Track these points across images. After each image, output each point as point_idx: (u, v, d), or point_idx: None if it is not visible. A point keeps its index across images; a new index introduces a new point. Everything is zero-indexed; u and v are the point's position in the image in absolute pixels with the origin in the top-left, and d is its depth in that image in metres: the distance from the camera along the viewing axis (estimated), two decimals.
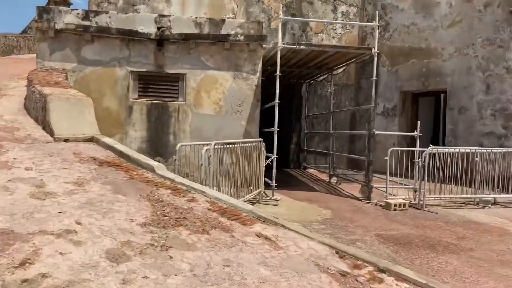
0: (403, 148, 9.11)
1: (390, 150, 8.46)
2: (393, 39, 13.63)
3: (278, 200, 8.23)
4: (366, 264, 3.65)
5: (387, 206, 8.09)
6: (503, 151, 9.00)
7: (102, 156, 5.76)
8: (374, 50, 8.84)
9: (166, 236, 3.58)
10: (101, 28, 8.75)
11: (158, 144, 9.18)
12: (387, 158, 8.36)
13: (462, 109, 11.79)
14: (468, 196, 8.68)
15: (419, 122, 8.93)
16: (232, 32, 9.05)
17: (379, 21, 9.49)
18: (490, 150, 8.81)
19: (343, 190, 9.91)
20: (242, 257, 3.38)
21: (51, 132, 6.49)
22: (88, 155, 5.71)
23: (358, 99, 14.33)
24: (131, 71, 9.04)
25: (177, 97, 9.23)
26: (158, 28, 8.89)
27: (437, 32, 12.40)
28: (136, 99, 9.11)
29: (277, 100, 8.56)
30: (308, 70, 11.48)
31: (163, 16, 9.13)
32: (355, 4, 14.42)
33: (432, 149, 8.31)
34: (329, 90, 12.26)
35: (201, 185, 5.22)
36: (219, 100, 9.31)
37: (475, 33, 11.49)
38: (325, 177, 11.94)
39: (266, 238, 3.85)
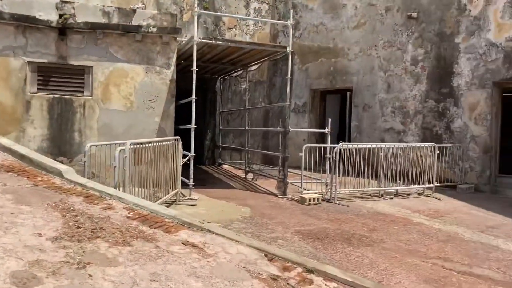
0: (316, 144, 9.44)
1: (304, 146, 8.71)
2: (303, 38, 14.07)
3: (196, 199, 8.02)
4: (295, 266, 3.66)
5: (302, 200, 8.33)
6: (403, 146, 9.78)
7: None
8: (289, 49, 9.00)
9: (83, 251, 3.22)
10: None
11: (61, 143, 8.39)
12: (302, 154, 8.59)
13: (366, 107, 12.60)
14: (374, 188, 9.29)
15: (330, 119, 9.32)
16: (144, 24, 8.57)
17: (292, 20, 9.67)
18: (393, 146, 9.52)
19: (260, 186, 10.01)
20: (170, 269, 3.17)
21: None
22: None
23: (271, 96, 14.59)
24: (29, 62, 8.11)
25: (83, 91, 8.51)
26: (60, 16, 8.08)
27: (343, 32, 13.07)
28: (35, 93, 8.21)
29: (194, 95, 8.31)
30: (223, 66, 11.36)
31: (66, 2, 8.31)
32: (266, 2, 14.60)
33: (343, 145, 8.73)
34: (244, 87, 12.29)
35: (117, 191, 4.83)
36: (130, 95, 8.77)
37: (377, 35, 12.31)
38: (241, 173, 11.97)
39: (194, 245, 3.66)
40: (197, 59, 8.51)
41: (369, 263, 4.98)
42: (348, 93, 13.00)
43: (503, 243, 6.05)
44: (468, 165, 10.61)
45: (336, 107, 15.14)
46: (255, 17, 14.11)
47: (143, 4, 12.60)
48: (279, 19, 13.99)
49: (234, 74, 13.19)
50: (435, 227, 6.86)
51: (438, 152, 9.76)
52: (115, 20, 8.45)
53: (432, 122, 11.24)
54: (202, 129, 13.32)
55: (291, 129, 9.33)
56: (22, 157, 5.09)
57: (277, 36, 14.68)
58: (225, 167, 13.40)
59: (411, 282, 4.41)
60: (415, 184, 9.59)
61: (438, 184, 9.88)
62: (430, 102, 11.28)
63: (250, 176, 11.25)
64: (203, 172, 12.09)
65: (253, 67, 12.04)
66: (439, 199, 9.28)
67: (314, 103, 14.14)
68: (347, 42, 12.98)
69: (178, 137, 7.82)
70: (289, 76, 8.99)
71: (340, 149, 8.59)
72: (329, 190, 8.81)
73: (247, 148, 11.89)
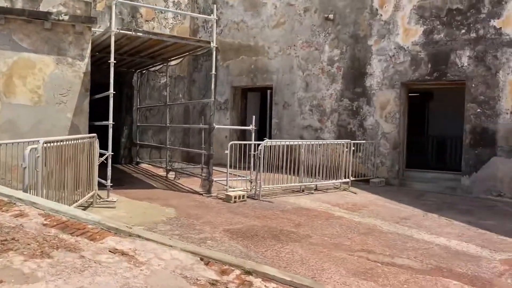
0: (240, 141, 9.38)
1: (230, 143, 8.62)
2: (223, 34, 13.96)
3: (114, 201, 7.52)
4: (233, 268, 3.54)
5: (227, 198, 8.23)
6: (322, 143, 10.15)
7: None
8: (213, 44, 8.82)
9: None
10: None
11: None
12: (227, 151, 8.49)
13: (285, 104, 12.87)
14: (296, 184, 9.50)
15: (254, 117, 9.32)
16: (54, 10, 7.83)
17: (211, 15, 9.49)
18: (313, 142, 9.82)
19: (183, 185, 9.72)
20: (100, 282, 2.86)
21: None
22: None
23: (192, 92, 14.27)
24: None
25: None
26: None
27: (264, 31, 13.20)
28: None
29: (111, 90, 7.77)
30: (142, 59, 10.82)
31: None
32: None
33: (267, 142, 8.80)
34: (165, 81, 11.84)
35: (29, 195, 4.30)
36: (38, 88, 7.98)
37: (296, 35, 12.63)
38: (161, 172, 11.53)
39: (123, 253, 3.37)
40: (114, 51, 7.97)
41: (299, 259, 5.04)
42: (268, 91, 13.17)
43: (416, 233, 6.51)
44: (380, 160, 11.34)
45: (256, 105, 15.30)
46: (174, 10, 13.68)
47: None
48: (199, 14, 13.71)
49: (153, 69, 12.67)
50: (355, 220, 7.19)
51: (353, 148, 10.28)
52: (19, 4, 7.61)
53: (347, 120, 11.83)
54: (118, 126, 12.58)
55: (216, 126, 9.18)
56: None
57: (197, 31, 14.40)
58: (144, 166, 12.83)
59: (341, 276, 4.54)
60: (332, 179, 10.01)
61: (353, 179, 10.42)
62: (345, 101, 11.85)
63: (172, 175, 10.89)
64: (120, 172, 11.44)
65: (175, 62, 11.65)
66: (355, 193, 9.78)
67: (236, 100, 14.13)
68: (268, 41, 13.14)
69: (94, 134, 7.26)
70: (213, 72, 8.82)
71: (264, 146, 8.64)
72: (254, 187, 8.83)
73: (168, 146, 11.48)
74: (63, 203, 5.44)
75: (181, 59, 11.14)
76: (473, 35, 10.03)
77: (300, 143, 9.58)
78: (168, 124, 11.52)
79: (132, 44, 9.12)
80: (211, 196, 8.66)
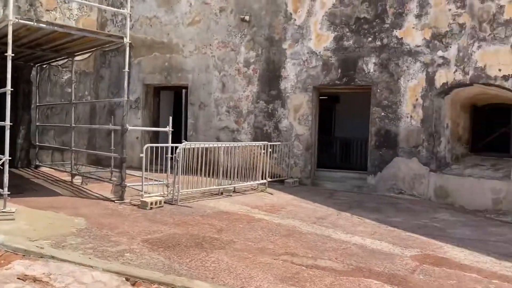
0: (157, 144, 8.93)
1: (146, 146, 8.17)
2: (135, 29, 13.23)
3: (13, 212, 6.66)
4: (163, 287, 3.30)
5: (143, 205, 7.79)
6: (240, 144, 10.13)
7: None
8: (126, 39, 8.28)
9: None
10: None
11: None
12: (143, 154, 8.04)
13: (202, 105, 12.62)
14: (214, 187, 9.34)
15: (171, 117, 8.93)
16: None
17: (124, 9, 8.93)
18: (232, 144, 9.74)
19: (92, 192, 9.00)
20: None
21: None
22: None
23: (99, 90, 13.34)
24: None
25: None
26: None
27: (178, 28, 12.80)
28: None
29: (9, 87, 6.86)
30: (43, 53, 9.79)
31: None
32: None
33: (186, 144, 8.51)
34: (70, 77, 10.85)
35: None
36: None
37: (212, 34, 12.44)
38: (66, 176, 10.56)
39: (35, 279, 2.93)
40: (11, 43, 7.06)
41: (226, 268, 4.90)
42: (183, 90, 12.80)
43: (333, 232, 6.76)
44: (293, 161, 11.65)
45: (170, 104, 14.80)
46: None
47: None
48: (107, 6, 12.84)
49: (55, 63, 11.57)
50: (275, 222, 7.25)
51: (270, 150, 10.42)
52: None
53: (263, 121, 11.96)
54: (13, 125, 11.25)
55: (130, 127, 8.64)
56: None
57: (106, 25, 13.50)
58: (45, 169, 11.67)
59: (270, 283, 4.50)
60: (250, 180, 10.05)
61: (270, 180, 10.56)
62: (261, 103, 11.97)
63: (78, 179, 10.01)
64: (17, 177, 10.25)
65: (83, 56, 10.73)
66: (271, 194, 9.91)
67: (148, 99, 13.51)
68: (182, 39, 12.76)
69: None
70: (126, 69, 8.27)
71: (183, 149, 8.34)
72: (171, 192, 8.48)
73: (73, 148, 10.53)
74: None
75: (89, 54, 10.31)
76: (378, 43, 10.74)
77: (219, 145, 9.44)
78: (73, 125, 10.57)
79: (32, 35, 8.18)
80: (124, 203, 8.13)
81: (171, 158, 8.60)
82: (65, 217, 6.87)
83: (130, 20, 13.13)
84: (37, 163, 11.95)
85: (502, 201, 8.44)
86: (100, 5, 11.82)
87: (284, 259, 5.30)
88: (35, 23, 7.23)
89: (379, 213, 8.45)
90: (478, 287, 4.69)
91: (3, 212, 6.62)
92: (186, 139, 11.94)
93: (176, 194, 8.34)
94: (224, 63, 12.34)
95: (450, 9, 9.61)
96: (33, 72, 11.98)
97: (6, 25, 6.91)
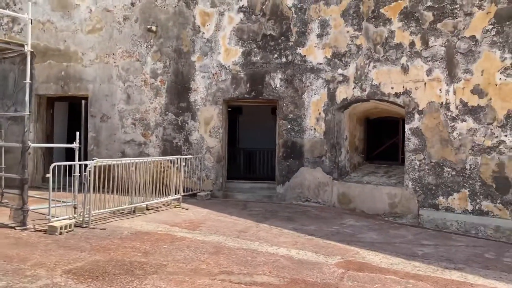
0: (64, 162, 8.13)
1: (52, 165, 7.41)
2: (24, 33, 11.96)
3: None
4: None
5: (51, 230, 7.07)
6: (152, 160, 9.79)
7: None
8: (27, 47, 7.48)
9: None
10: None
11: None
12: (49, 174, 7.29)
13: (104, 117, 11.89)
14: (127, 206, 8.87)
15: (78, 132, 8.27)
16: None
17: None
18: (145, 160, 9.36)
19: None
20: None
21: None
22: None
23: None
24: None
25: None
26: None
27: (77, 35, 11.91)
28: None
29: None
30: None
31: None
32: None
33: (97, 162, 7.95)
34: None
35: None
36: None
37: (115, 43, 11.84)
38: None
39: None
40: None
41: None
42: (83, 102, 11.90)
43: (259, 246, 6.92)
44: (205, 173, 11.62)
45: (64, 116, 13.65)
46: None
47: None
48: None
49: None
50: (199, 240, 7.17)
51: (184, 164, 10.25)
52: None
53: (172, 134, 11.72)
54: None
55: (33, 144, 7.78)
56: None
57: None
58: None
59: None
60: (163, 196, 9.77)
61: (183, 194, 10.38)
62: (170, 115, 11.72)
63: None
64: None
65: None
66: (187, 209, 9.76)
67: (41, 111, 12.30)
68: (82, 46, 11.90)
69: None
70: (28, 80, 7.48)
71: (94, 167, 7.78)
72: (81, 214, 7.84)
73: None
74: None
75: None
76: (283, 60, 11.32)
77: (134, 161, 8.99)
78: None
79: None
80: (27, 229, 7.28)
81: (79, 176, 7.96)
82: None
83: (19, 24, 11.98)
84: None
85: (398, 205, 9.49)
86: None
87: (221, 279, 5.29)
88: None
89: (294, 222, 8.87)
90: None
91: None
92: (86, 154, 11.16)
93: (87, 216, 7.74)
94: (128, 73, 11.82)
95: (348, 31, 10.56)
96: None
97: None
